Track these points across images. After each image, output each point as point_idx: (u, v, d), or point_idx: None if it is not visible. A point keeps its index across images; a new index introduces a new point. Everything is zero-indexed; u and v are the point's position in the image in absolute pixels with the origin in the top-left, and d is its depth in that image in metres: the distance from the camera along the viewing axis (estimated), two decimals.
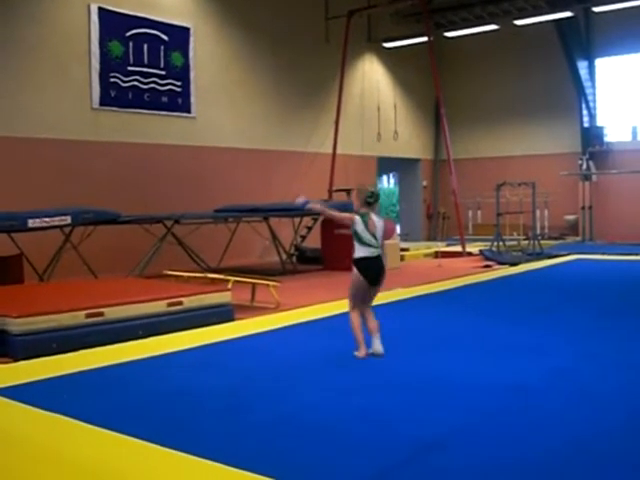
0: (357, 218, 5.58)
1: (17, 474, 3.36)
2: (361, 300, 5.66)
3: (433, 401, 4.40)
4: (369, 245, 5.55)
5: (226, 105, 15.56)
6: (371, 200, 5.62)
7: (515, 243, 16.82)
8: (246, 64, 16.09)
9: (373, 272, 5.59)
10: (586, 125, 20.31)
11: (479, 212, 19.92)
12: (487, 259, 14.73)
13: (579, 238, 19.80)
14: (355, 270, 5.59)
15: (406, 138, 21.14)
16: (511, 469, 3.28)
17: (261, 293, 8.83)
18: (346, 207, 13.84)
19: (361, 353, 5.58)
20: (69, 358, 5.76)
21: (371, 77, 19.98)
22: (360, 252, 5.57)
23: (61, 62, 12.66)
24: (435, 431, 3.83)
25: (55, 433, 3.94)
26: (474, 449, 3.54)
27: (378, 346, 5.58)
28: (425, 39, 17.81)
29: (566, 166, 19.91)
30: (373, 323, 5.69)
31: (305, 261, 14.29)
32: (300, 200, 5.83)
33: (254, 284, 8.81)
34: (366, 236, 5.54)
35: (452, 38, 20.14)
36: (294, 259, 14.11)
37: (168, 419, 4.14)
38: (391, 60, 20.52)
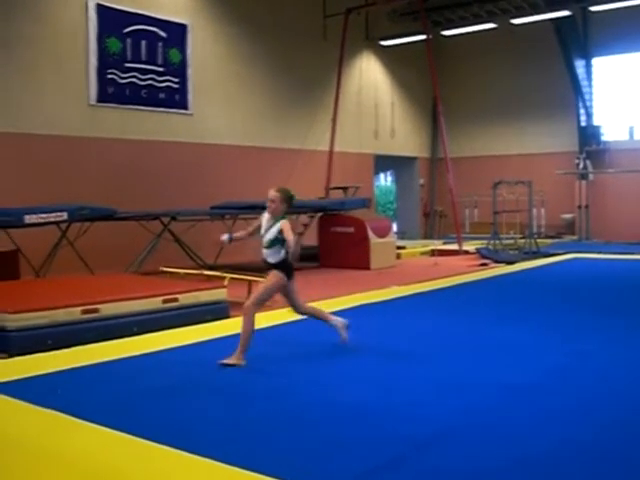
0: (287, 223, 5.47)
1: (12, 470, 3.36)
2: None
3: (427, 399, 4.40)
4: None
5: (223, 102, 15.56)
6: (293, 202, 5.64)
7: (512, 242, 16.85)
8: (244, 61, 16.09)
9: (292, 270, 5.61)
10: (583, 124, 20.35)
11: (476, 210, 19.95)
12: (484, 257, 14.76)
13: (576, 237, 19.85)
14: (280, 271, 5.51)
15: (403, 136, 21.17)
16: (508, 469, 3.29)
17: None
18: (343, 204, 13.92)
19: (241, 361, 5.26)
20: (64, 354, 5.76)
21: (369, 75, 19.98)
22: (283, 254, 5.50)
23: (59, 58, 12.65)
24: (429, 429, 3.83)
25: (50, 429, 3.94)
26: (468, 448, 3.54)
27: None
28: (422, 37, 17.84)
29: (563, 165, 19.95)
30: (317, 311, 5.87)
31: (301, 258, 14.25)
32: (224, 237, 5.74)
33: (250, 281, 8.80)
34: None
35: (449, 37, 20.17)
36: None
37: (163, 416, 4.14)
38: (389, 58, 20.52)
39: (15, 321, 6.06)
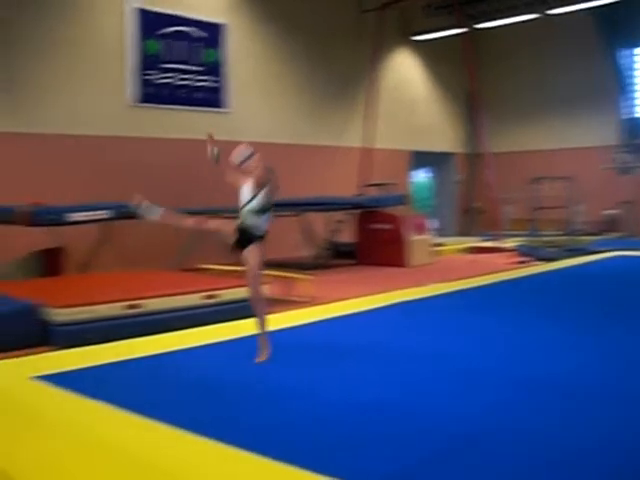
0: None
1: (60, 458, 3.46)
2: None
3: (463, 396, 4.41)
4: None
5: (261, 100, 15.67)
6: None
7: (552, 239, 16.66)
8: (281, 59, 16.18)
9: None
10: (626, 117, 19.93)
11: (515, 207, 19.74)
12: (523, 255, 14.61)
13: (619, 234, 19.49)
14: (258, 245, 5.28)
15: (440, 132, 21.05)
16: (542, 468, 3.28)
17: (295, 287, 8.88)
18: (380, 201, 13.91)
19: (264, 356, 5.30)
20: (107, 348, 5.89)
21: (404, 70, 19.92)
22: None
23: (98, 60, 12.89)
24: (467, 427, 3.83)
25: (96, 419, 4.06)
26: (507, 445, 3.54)
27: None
28: (458, 31, 17.70)
29: (605, 159, 19.58)
30: None
31: (338, 255, 14.31)
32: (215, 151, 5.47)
33: (288, 278, 8.88)
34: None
35: (485, 30, 19.92)
36: (327, 253, 14.15)
37: (205, 408, 4.23)
38: (424, 53, 20.42)
39: (60, 315, 6.24)
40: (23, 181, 11.52)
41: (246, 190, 5.29)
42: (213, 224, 5.49)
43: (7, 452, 3.51)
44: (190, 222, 5.60)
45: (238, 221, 5.26)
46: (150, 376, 5.05)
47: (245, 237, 5.24)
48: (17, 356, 5.77)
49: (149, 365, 5.35)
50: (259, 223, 5.26)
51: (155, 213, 5.37)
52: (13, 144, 11.74)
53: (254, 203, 5.23)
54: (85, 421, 4.02)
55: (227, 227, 5.31)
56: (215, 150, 5.60)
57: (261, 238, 5.32)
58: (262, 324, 5.40)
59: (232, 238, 5.27)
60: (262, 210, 5.25)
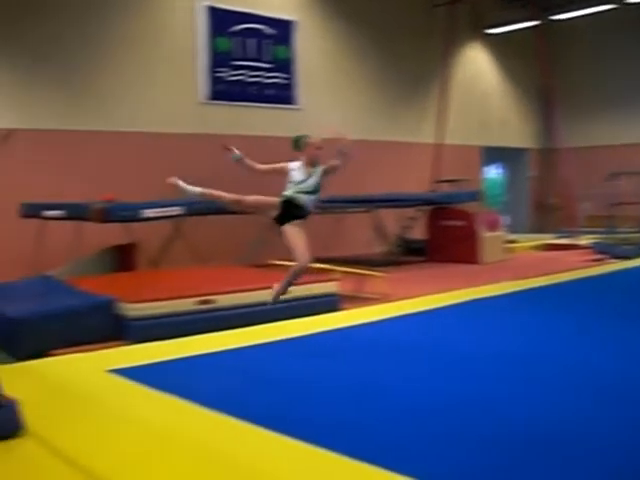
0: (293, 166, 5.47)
1: (140, 453, 3.47)
2: None
3: (540, 399, 4.25)
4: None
5: (331, 96, 15.63)
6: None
7: (629, 236, 16.07)
8: (351, 55, 16.10)
9: None
10: None
11: (591, 203, 19.13)
12: (598, 252, 14.15)
13: None
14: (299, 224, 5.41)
15: (513, 127, 20.59)
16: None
17: (366, 284, 8.81)
18: (452, 197, 13.70)
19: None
20: (180, 343, 5.92)
21: (476, 65, 19.56)
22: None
23: (170, 58, 13.08)
24: (544, 430, 3.66)
25: (169, 412, 4.07)
26: (584, 451, 3.38)
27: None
28: (532, 24, 17.27)
29: None
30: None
31: (410, 252, 14.16)
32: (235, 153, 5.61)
33: (360, 274, 8.80)
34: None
35: (561, 21, 19.38)
36: (398, 250, 14.02)
37: (279, 403, 4.18)
38: (497, 47, 20.00)
39: (134, 310, 6.32)
40: (99, 178, 11.79)
41: (297, 170, 5.40)
42: (251, 199, 5.47)
43: (89, 448, 3.53)
44: (229, 197, 5.62)
45: (283, 197, 5.35)
46: (223, 371, 5.04)
47: (289, 213, 5.34)
48: (93, 350, 5.86)
49: (222, 360, 5.34)
50: (307, 202, 5.36)
51: (194, 191, 5.55)
52: (87, 141, 12.01)
53: (310, 182, 5.38)
54: (156, 413, 4.04)
55: (267, 202, 5.33)
56: (236, 154, 5.70)
57: (303, 217, 5.40)
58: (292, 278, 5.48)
59: (274, 212, 5.25)
60: (314, 191, 5.38)
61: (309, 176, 5.40)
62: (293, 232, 5.39)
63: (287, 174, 5.44)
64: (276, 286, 5.46)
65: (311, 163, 5.39)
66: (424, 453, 3.34)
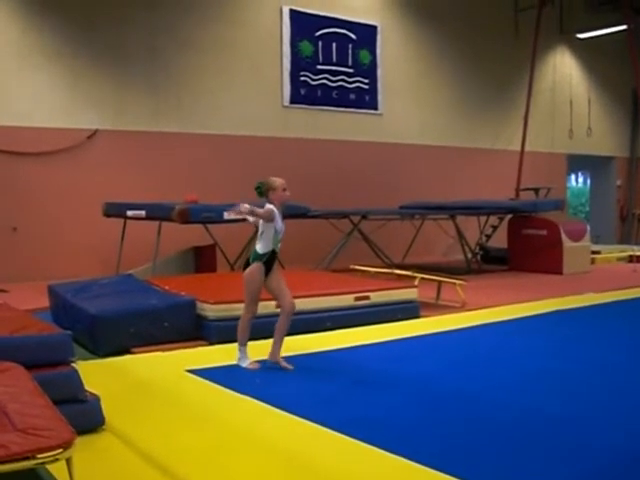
0: (276, 212, 5.21)
1: (216, 452, 3.50)
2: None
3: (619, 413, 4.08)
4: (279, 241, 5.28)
5: (412, 102, 15.49)
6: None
7: None
8: (433, 60, 15.92)
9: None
10: None
11: None
12: None
13: None
14: (257, 266, 5.27)
15: (600, 134, 19.92)
16: None
17: (446, 291, 8.66)
18: (535, 206, 13.34)
19: (254, 365, 5.22)
20: (260, 345, 5.92)
21: (563, 70, 19.04)
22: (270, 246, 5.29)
23: (254, 62, 13.22)
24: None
25: (246, 413, 4.11)
26: None
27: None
28: (623, 27, 16.67)
29: None
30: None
31: (490, 261, 13.88)
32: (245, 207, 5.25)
33: (440, 282, 8.65)
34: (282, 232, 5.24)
35: None
36: (479, 258, 13.77)
37: (353, 409, 4.18)
38: (585, 52, 19.41)
39: (215, 311, 6.35)
40: (181, 178, 12.00)
41: (278, 216, 5.36)
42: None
43: (165, 445, 3.57)
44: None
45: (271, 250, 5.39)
46: (302, 374, 5.04)
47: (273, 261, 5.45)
48: (173, 349, 5.94)
49: (301, 363, 5.33)
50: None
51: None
52: (172, 143, 12.22)
53: (283, 227, 5.41)
54: (232, 415, 4.08)
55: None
56: (252, 217, 5.49)
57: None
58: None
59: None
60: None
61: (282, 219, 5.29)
62: (278, 278, 5.43)
63: (274, 220, 5.28)
64: (273, 348, 5.28)
65: (281, 206, 5.33)
66: (511, 465, 3.24)
